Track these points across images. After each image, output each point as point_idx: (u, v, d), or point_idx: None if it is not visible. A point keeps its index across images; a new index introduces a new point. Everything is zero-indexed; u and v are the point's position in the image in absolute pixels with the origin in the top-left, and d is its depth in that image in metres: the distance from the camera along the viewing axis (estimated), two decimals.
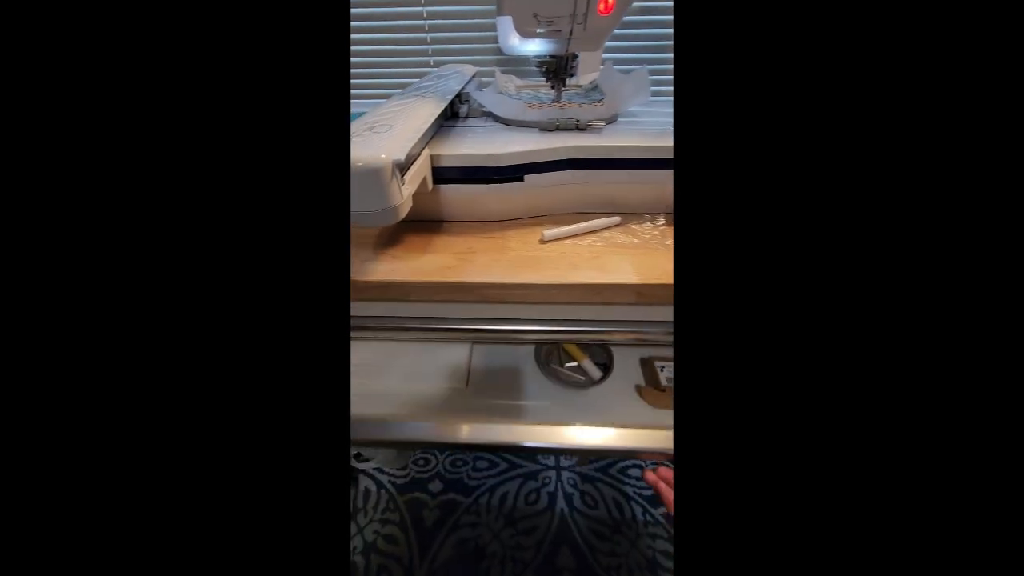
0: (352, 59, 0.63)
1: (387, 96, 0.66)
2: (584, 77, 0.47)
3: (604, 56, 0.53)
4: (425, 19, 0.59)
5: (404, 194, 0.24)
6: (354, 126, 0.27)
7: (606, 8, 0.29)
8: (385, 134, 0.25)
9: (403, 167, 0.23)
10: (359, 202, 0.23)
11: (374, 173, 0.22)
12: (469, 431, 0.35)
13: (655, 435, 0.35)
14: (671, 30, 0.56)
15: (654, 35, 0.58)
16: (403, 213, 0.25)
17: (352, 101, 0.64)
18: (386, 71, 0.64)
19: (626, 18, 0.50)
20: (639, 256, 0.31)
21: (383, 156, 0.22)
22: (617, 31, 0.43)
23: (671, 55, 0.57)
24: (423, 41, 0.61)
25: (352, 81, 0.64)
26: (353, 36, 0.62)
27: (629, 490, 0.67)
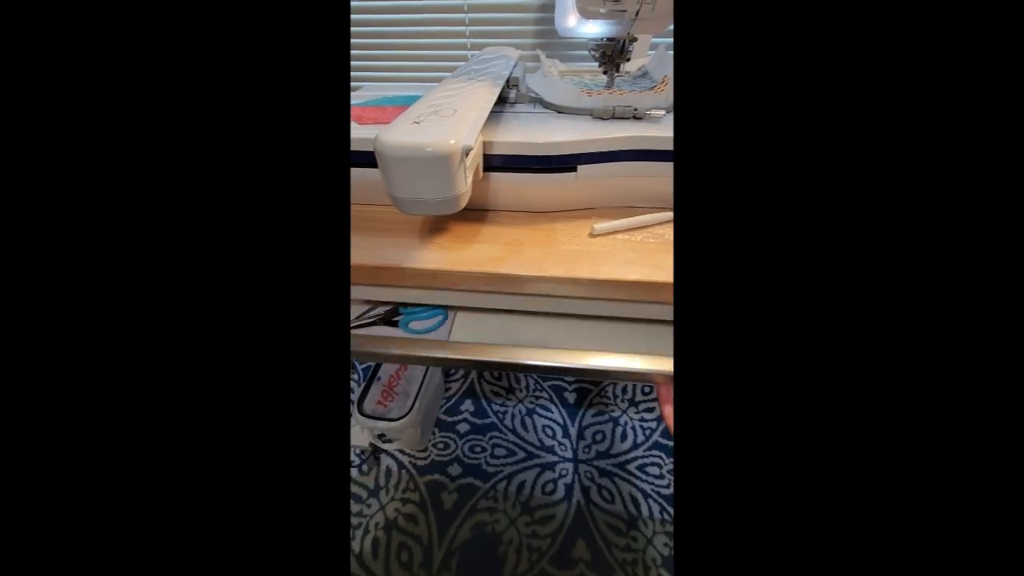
0: (389, 40, 0.62)
1: (424, 79, 0.65)
2: (634, 64, 0.45)
3: (654, 40, 0.51)
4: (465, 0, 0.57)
5: (468, 182, 0.23)
6: (415, 108, 0.26)
7: None
8: (450, 118, 0.24)
9: (467, 152, 0.22)
10: (421, 189, 0.22)
11: (443, 159, 0.21)
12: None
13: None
14: None
15: None
16: (464, 202, 0.24)
17: (389, 84, 0.63)
18: (425, 53, 0.62)
19: None
20: None
21: (452, 142, 0.21)
22: None
23: None
24: (461, 23, 0.59)
25: (389, 63, 0.63)
26: (391, 17, 0.60)
27: (647, 487, 0.67)
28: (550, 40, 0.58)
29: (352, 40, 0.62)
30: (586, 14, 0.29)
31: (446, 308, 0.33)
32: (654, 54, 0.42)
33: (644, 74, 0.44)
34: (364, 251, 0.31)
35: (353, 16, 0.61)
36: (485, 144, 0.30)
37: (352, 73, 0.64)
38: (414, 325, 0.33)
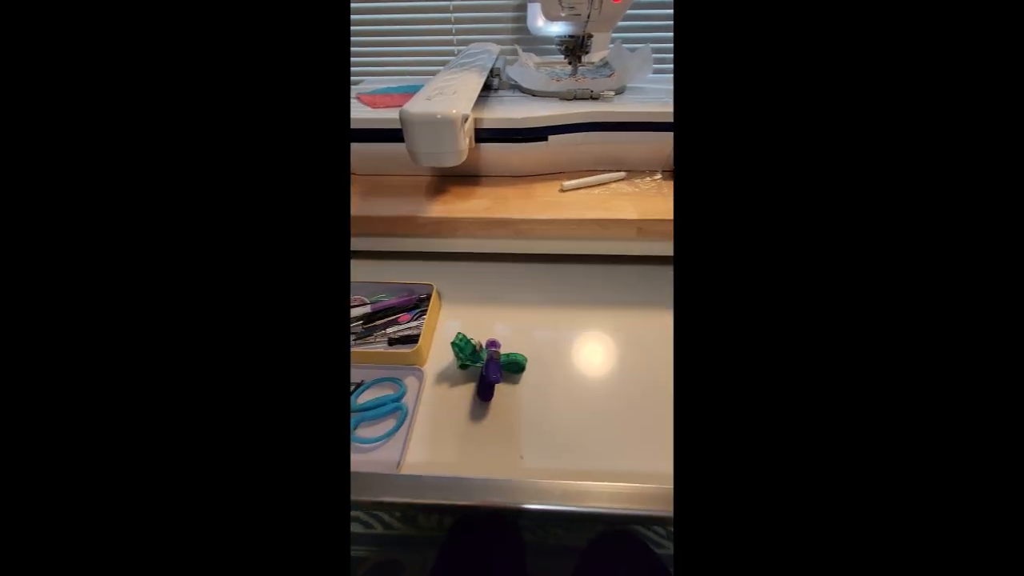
0: (385, 37, 0.69)
1: (417, 71, 0.73)
2: (595, 55, 0.53)
3: (613, 35, 0.60)
4: (450, 0, 0.65)
5: (466, 142, 0.32)
6: (425, 90, 0.35)
7: None
8: (452, 96, 0.33)
9: (465, 119, 0.31)
10: (434, 145, 0.31)
11: (450, 122, 0.30)
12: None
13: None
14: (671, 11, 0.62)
15: (658, 15, 0.64)
16: (464, 157, 0.33)
17: (387, 76, 0.71)
18: (416, 48, 0.70)
19: (636, 0, 0.56)
20: (640, 201, 0.39)
21: (455, 111, 0.30)
22: (627, 12, 0.50)
23: (671, 35, 0.63)
24: (448, 21, 0.67)
25: (383, 59, 0.71)
26: (383, 16, 0.67)
27: None
28: (526, 36, 0.66)
29: (352, 38, 0.69)
30: (549, 17, 0.37)
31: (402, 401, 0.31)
32: (612, 48, 0.51)
33: (605, 64, 0.53)
34: (382, 208, 0.39)
35: (352, 16, 0.68)
36: (476, 120, 0.39)
37: (352, 68, 0.71)
38: (362, 432, 0.29)
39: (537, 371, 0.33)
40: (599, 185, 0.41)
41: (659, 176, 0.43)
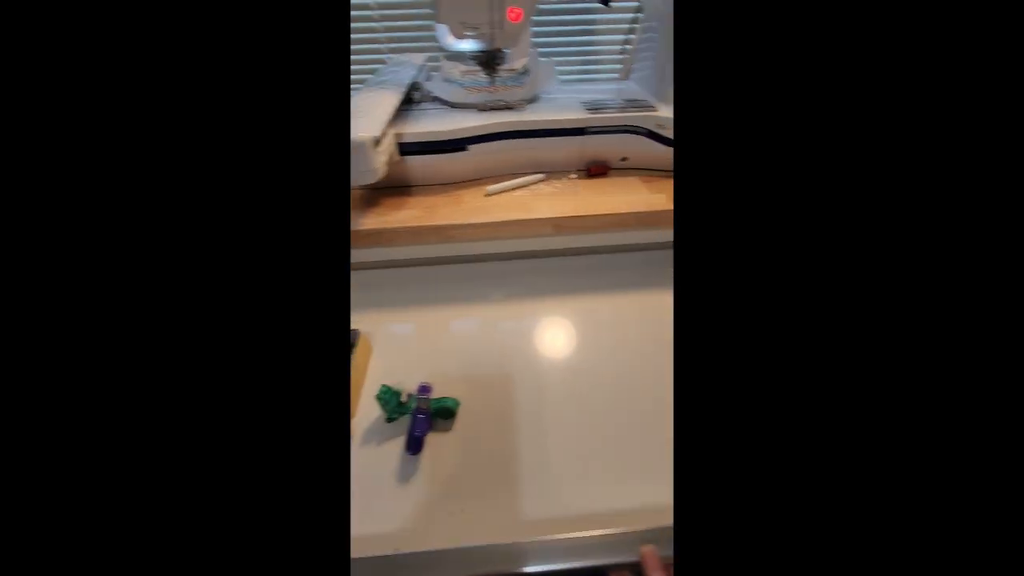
0: None
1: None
2: (517, 62, 0.57)
3: (539, 40, 0.63)
4: (375, 9, 0.65)
5: (380, 160, 0.35)
6: None
7: (515, 17, 0.39)
8: (363, 119, 0.35)
9: (377, 141, 0.34)
10: (352, 166, 0.33)
11: (361, 145, 0.32)
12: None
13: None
14: (591, 16, 0.66)
15: (580, 20, 0.68)
16: (381, 174, 0.35)
17: None
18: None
19: (560, 5, 0.60)
20: (556, 200, 0.44)
21: (363, 135, 0.33)
22: (549, 19, 0.53)
23: (587, 38, 0.67)
24: (375, 30, 0.68)
25: None
26: None
27: None
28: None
29: None
30: (456, 35, 0.40)
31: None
32: (531, 53, 0.55)
33: (525, 71, 0.57)
34: None
35: None
36: (399, 135, 0.41)
37: None
38: None
39: (474, 398, 0.32)
40: (521, 187, 0.45)
41: (574, 176, 0.47)
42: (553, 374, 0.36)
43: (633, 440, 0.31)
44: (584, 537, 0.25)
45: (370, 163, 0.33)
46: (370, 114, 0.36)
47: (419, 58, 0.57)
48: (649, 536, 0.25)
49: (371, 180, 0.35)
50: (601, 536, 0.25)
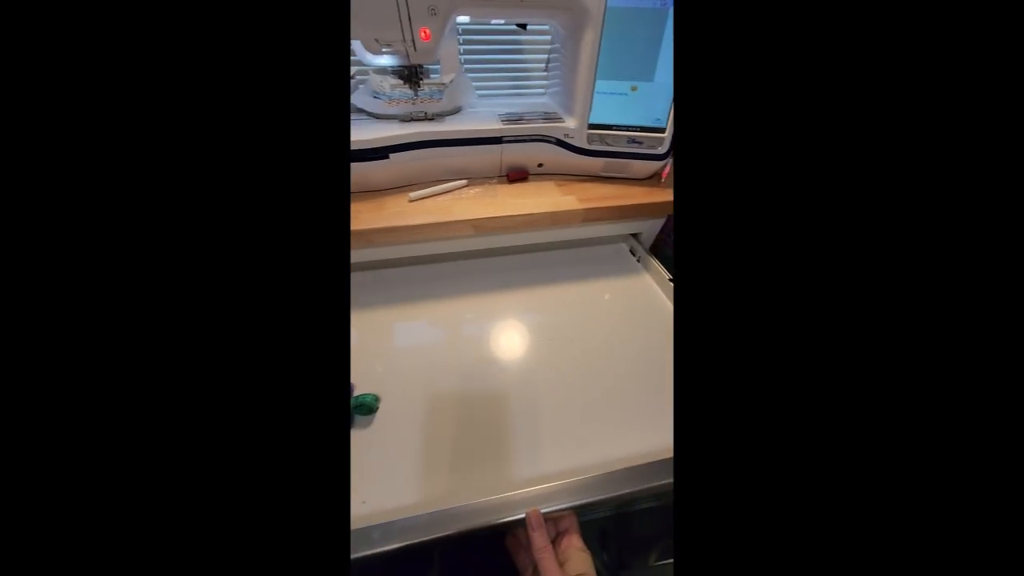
0: None
1: None
2: (446, 76, 0.60)
3: (472, 57, 0.67)
4: None
5: None
6: None
7: (426, 36, 0.43)
8: None
9: None
10: None
11: None
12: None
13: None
14: (521, 36, 0.72)
15: (511, 40, 0.73)
16: None
17: None
18: None
19: (492, 26, 0.64)
20: (477, 203, 0.47)
21: None
22: (482, 38, 0.57)
23: (516, 57, 0.73)
24: None
25: None
26: None
27: None
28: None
29: None
30: (372, 51, 0.43)
31: None
32: (458, 72, 0.59)
33: (451, 85, 0.60)
34: None
35: None
36: None
37: None
38: None
39: (396, 394, 0.33)
40: (444, 193, 0.48)
41: (495, 181, 0.51)
42: (477, 366, 0.38)
43: (551, 419, 0.34)
44: (490, 500, 0.27)
45: None
46: None
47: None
48: (538, 494, 0.28)
49: None
50: (503, 498, 0.27)
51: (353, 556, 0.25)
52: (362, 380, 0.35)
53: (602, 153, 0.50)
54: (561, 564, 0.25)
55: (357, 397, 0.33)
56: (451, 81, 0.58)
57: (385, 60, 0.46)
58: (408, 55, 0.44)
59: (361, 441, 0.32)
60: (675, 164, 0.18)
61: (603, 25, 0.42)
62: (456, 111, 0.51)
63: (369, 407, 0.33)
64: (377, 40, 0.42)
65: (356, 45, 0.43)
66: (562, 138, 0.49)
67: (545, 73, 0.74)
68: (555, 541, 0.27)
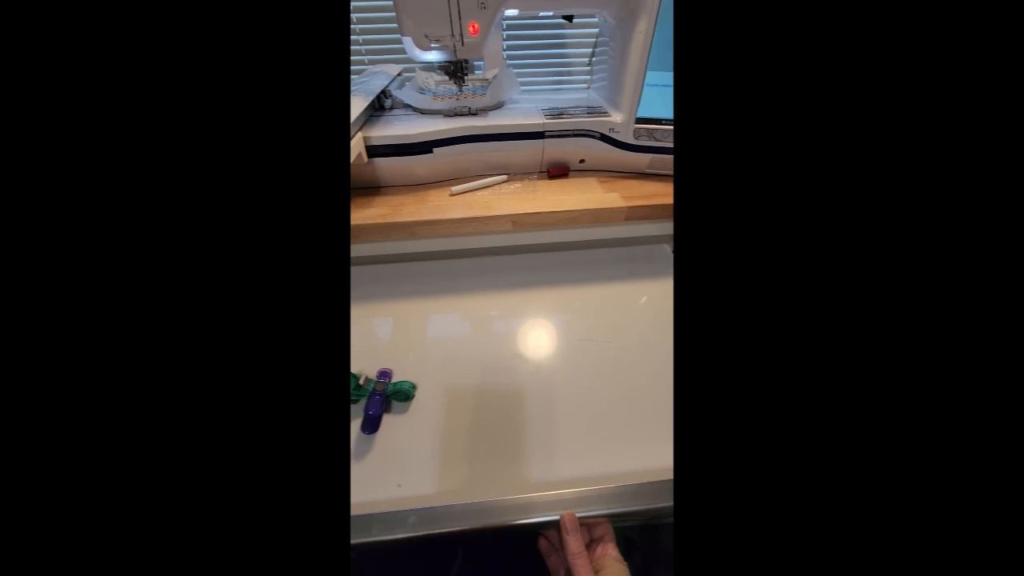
0: None
1: None
2: (489, 72, 0.61)
3: (514, 52, 0.67)
4: (356, 24, 0.69)
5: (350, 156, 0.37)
6: None
7: (474, 31, 0.43)
8: None
9: None
10: None
11: None
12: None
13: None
14: (563, 30, 0.71)
15: (553, 35, 0.72)
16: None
17: None
18: None
19: (534, 21, 0.64)
20: (517, 199, 0.46)
21: None
22: (524, 32, 0.57)
23: (559, 51, 0.72)
24: (356, 43, 0.71)
25: None
26: None
27: None
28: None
29: None
30: (421, 46, 0.44)
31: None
32: (501, 67, 0.59)
33: (494, 80, 0.61)
34: None
35: None
36: (367, 138, 0.44)
37: None
38: None
39: (431, 383, 0.34)
40: (484, 188, 0.48)
41: (535, 177, 0.50)
42: (509, 361, 0.38)
43: (586, 419, 0.33)
44: (522, 498, 0.27)
45: None
46: None
47: (394, 68, 0.61)
48: (571, 497, 0.27)
49: None
50: (536, 497, 0.27)
51: (385, 538, 0.26)
52: (396, 368, 0.36)
53: (648, 149, 0.48)
54: (596, 572, 0.25)
55: (395, 383, 0.34)
56: (494, 76, 0.58)
57: (433, 56, 0.46)
58: (455, 50, 0.45)
59: (397, 426, 0.33)
60: (675, 164, 0.17)
61: (658, 13, 0.40)
62: (499, 106, 0.51)
63: (406, 394, 0.34)
64: (426, 36, 0.42)
65: (406, 42, 0.44)
66: (607, 133, 0.48)
67: (589, 68, 0.72)
68: (588, 548, 0.27)
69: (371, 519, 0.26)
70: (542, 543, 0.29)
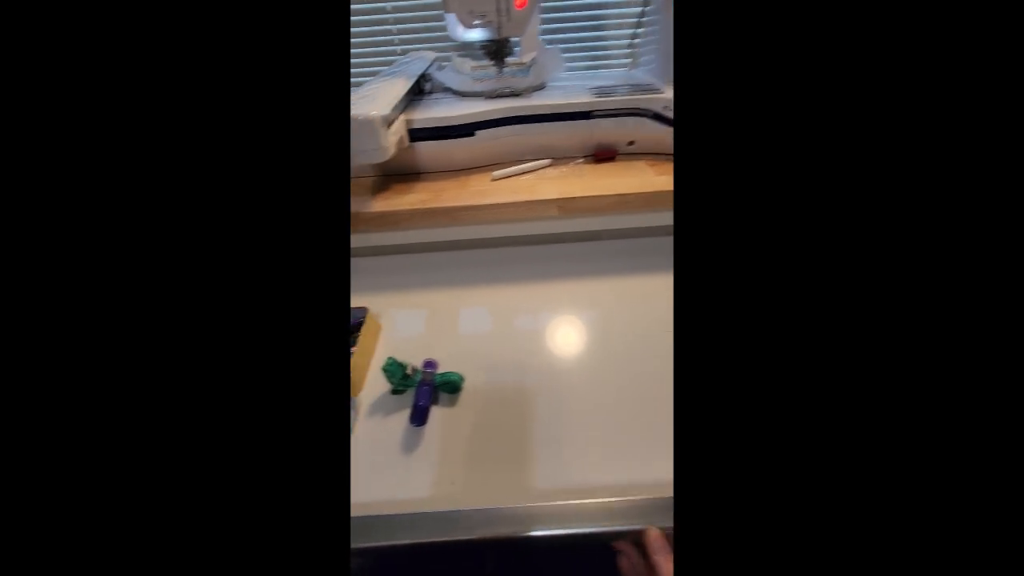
0: None
1: (361, 82, 0.76)
2: (526, 56, 0.58)
3: (549, 37, 0.65)
4: (390, 12, 0.68)
5: (390, 139, 0.36)
6: (354, 96, 0.39)
7: (521, 4, 0.40)
8: (372, 100, 0.37)
9: (387, 121, 0.35)
10: (359, 144, 0.35)
11: (369, 123, 0.34)
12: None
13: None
14: (600, 11, 0.67)
15: (589, 16, 0.69)
16: (390, 153, 0.37)
17: None
18: (359, 60, 0.73)
19: (568, 2, 0.61)
20: (562, 183, 0.44)
21: (373, 112, 0.34)
22: (559, 15, 0.54)
23: (596, 34, 0.68)
24: (390, 32, 0.71)
25: None
26: None
27: None
28: (461, 43, 0.71)
29: None
30: (465, 23, 0.42)
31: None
32: (539, 47, 0.56)
33: (534, 62, 0.58)
34: None
35: None
36: (409, 121, 0.42)
37: None
38: None
39: (478, 377, 0.32)
40: (527, 172, 0.46)
41: (581, 160, 0.48)
42: (559, 355, 0.35)
43: (637, 419, 0.30)
44: (587, 504, 0.25)
45: (379, 140, 0.35)
46: (380, 97, 0.38)
47: (430, 55, 0.59)
48: (646, 505, 0.24)
49: (381, 158, 0.36)
50: (604, 503, 0.25)
51: (439, 539, 0.24)
52: (443, 360, 0.34)
53: None
54: None
55: (443, 374, 0.32)
56: (532, 60, 0.56)
57: (476, 34, 0.44)
58: (500, 27, 0.43)
59: (447, 420, 0.31)
60: (675, 164, 0.16)
61: None
62: (541, 87, 0.49)
63: (455, 385, 0.32)
64: (471, 12, 0.40)
65: (448, 20, 0.43)
66: (660, 111, 0.44)
67: (628, 49, 0.68)
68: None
69: (421, 517, 0.25)
70: (623, 564, 0.26)
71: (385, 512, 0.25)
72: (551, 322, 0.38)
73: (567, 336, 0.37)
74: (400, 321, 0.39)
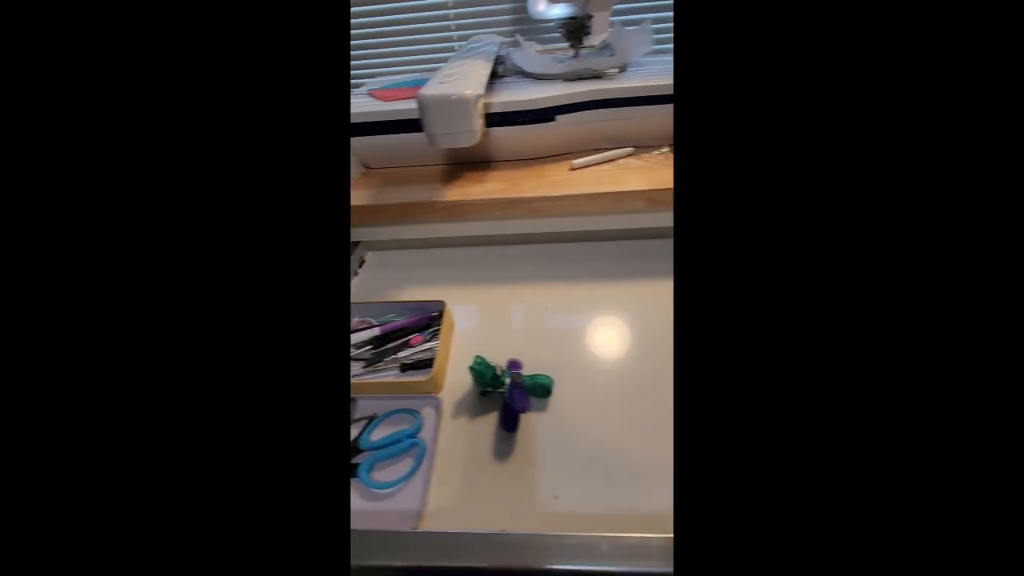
0: (384, 38, 0.71)
1: (416, 69, 0.74)
2: (596, 38, 0.54)
3: (612, 19, 0.61)
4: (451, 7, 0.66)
5: (479, 122, 0.33)
6: (438, 76, 0.37)
7: None
8: (464, 79, 0.34)
9: (479, 101, 0.33)
10: (450, 126, 0.32)
11: (464, 102, 0.31)
12: None
13: None
14: None
15: None
16: (478, 137, 0.34)
17: (384, 69, 0.73)
18: (415, 47, 0.71)
19: None
20: (648, 174, 0.40)
21: (468, 92, 0.31)
22: None
23: (670, 13, 0.63)
24: (447, 18, 0.68)
25: (385, 58, 0.72)
26: (382, 19, 0.69)
27: None
28: (524, 27, 0.67)
29: (352, 40, 0.71)
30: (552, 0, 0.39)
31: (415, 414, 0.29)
32: (612, 30, 0.52)
33: (606, 46, 0.54)
34: (396, 195, 0.41)
35: (352, 17, 0.69)
36: (484, 105, 0.40)
37: (353, 66, 0.73)
38: (378, 476, 0.26)
39: (566, 377, 0.30)
40: (608, 162, 0.42)
41: (666, 149, 0.43)
42: (643, 359, 0.32)
43: None
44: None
45: (471, 122, 0.32)
46: (467, 76, 0.35)
47: (496, 38, 0.56)
48: None
49: (469, 142, 0.33)
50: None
51: (542, 567, 0.21)
52: (536, 365, 0.32)
53: None
54: None
55: (532, 376, 0.30)
56: (602, 43, 0.52)
57: (559, 10, 0.41)
58: (586, 2, 0.39)
59: (540, 426, 0.28)
60: (675, 164, 0.15)
61: None
62: (623, 69, 0.45)
63: (546, 388, 0.29)
64: None
65: None
66: None
67: None
68: None
69: (519, 540, 0.22)
70: None
71: (483, 525, 0.23)
72: (637, 322, 0.35)
73: (652, 339, 0.34)
74: (473, 316, 0.37)
